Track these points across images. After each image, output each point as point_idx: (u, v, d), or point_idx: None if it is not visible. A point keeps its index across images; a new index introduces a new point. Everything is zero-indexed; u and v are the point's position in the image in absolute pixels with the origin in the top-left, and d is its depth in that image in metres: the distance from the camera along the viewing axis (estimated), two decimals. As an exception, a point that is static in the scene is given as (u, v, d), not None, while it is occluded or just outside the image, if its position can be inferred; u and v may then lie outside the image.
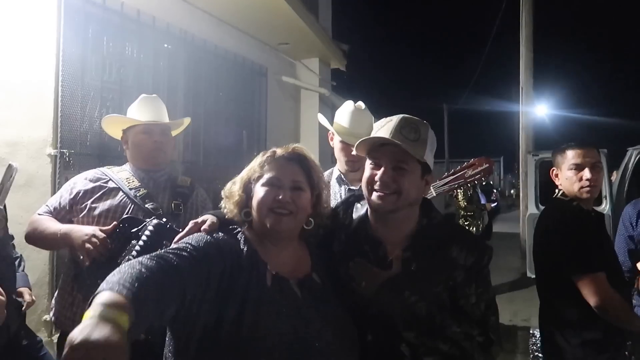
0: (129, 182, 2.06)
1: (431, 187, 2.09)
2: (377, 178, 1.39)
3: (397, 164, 1.39)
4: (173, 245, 1.27)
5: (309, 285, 1.34)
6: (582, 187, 2.06)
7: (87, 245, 1.81)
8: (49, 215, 2.04)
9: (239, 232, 1.36)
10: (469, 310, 1.40)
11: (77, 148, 3.22)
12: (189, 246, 1.23)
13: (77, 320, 1.90)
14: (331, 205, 2.32)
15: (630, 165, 5.37)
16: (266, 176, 1.36)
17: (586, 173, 2.05)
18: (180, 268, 1.14)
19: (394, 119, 1.41)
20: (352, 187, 2.33)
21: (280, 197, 1.32)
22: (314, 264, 1.41)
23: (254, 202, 1.34)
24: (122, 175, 2.09)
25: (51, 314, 2.10)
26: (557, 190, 2.20)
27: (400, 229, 1.45)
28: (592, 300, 1.90)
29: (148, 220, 1.83)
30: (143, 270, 1.08)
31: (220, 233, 1.33)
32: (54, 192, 2.94)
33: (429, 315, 1.35)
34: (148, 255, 1.15)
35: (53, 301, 2.09)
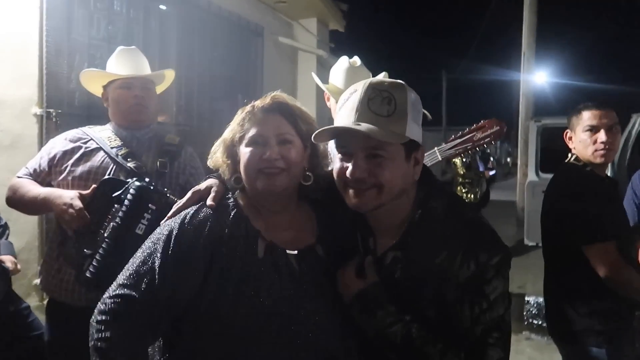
0: (110, 141, 1.94)
1: (437, 151, 1.99)
2: (348, 173, 1.11)
3: (371, 151, 1.10)
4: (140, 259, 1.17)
5: (310, 259, 1.19)
6: (596, 151, 1.96)
7: (65, 216, 1.72)
8: (29, 178, 1.93)
9: (229, 198, 1.25)
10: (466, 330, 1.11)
11: (64, 108, 3.09)
12: (166, 260, 1.13)
13: (63, 286, 1.85)
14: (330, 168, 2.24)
15: (634, 131, 5.29)
16: (248, 135, 1.20)
17: (601, 135, 1.95)
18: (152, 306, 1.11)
19: (359, 89, 1.11)
20: None
21: (267, 155, 1.17)
22: (320, 232, 1.25)
23: (241, 167, 1.21)
24: (103, 134, 1.97)
25: (39, 280, 2.03)
26: (569, 155, 2.10)
27: (391, 219, 1.19)
28: (601, 269, 1.83)
29: (130, 181, 1.72)
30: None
31: (207, 208, 1.21)
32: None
33: (405, 340, 1.10)
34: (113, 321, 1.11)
35: (40, 267, 2.01)
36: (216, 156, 1.28)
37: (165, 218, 1.25)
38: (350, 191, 1.13)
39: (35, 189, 1.86)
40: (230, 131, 1.26)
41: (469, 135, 2.10)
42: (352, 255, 1.21)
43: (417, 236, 1.15)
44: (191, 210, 1.22)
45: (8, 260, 2.30)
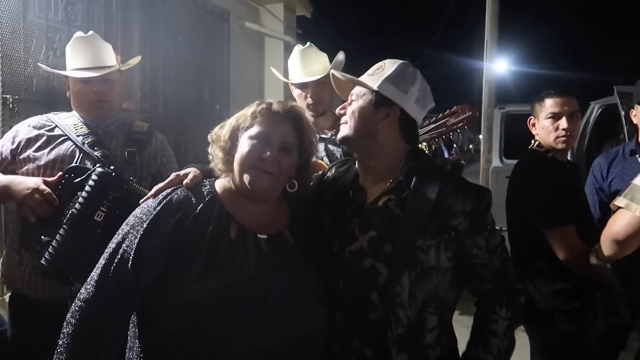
0: (76, 129, 1.86)
1: None
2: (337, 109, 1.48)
3: (351, 96, 1.43)
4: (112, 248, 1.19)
5: (278, 242, 1.27)
6: (557, 137, 2.03)
7: (30, 201, 1.65)
8: None
9: (205, 186, 1.29)
10: (484, 262, 1.31)
11: (21, 94, 2.94)
12: (131, 245, 1.16)
13: (25, 279, 1.78)
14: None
15: (592, 119, 5.48)
16: (255, 129, 1.26)
17: (563, 122, 2.01)
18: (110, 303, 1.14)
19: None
20: (322, 135, 2.24)
21: (265, 154, 1.23)
22: (290, 221, 1.34)
23: (237, 154, 1.26)
24: (69, 122, 1.89)
25: (1, 272, 1.95)
26: (532, 141, 2.16)
27: (376, 171, 1.39)
28: (561, 253, 1.91)
29: (92, 168, 1.68)
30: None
31: (181, 190, 1.25)
32: None
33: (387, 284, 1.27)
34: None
35: (1, 260, 1.93)
36: (221, 132, 1.32)
37: (144, 199, 1.27)
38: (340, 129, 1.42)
39: None
40: (240, 116, 1.31)
41: (443, 121, 2.14)
42: (318, 243, 1.34)
43: (412, 181, 1.33)
44: (167, 192, 1.24)
45: None
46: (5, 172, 1.83)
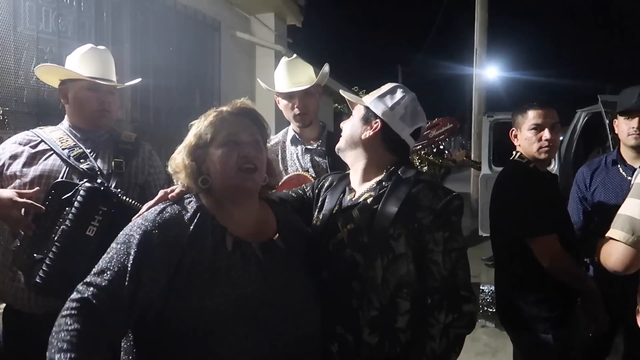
0: (62, 142, 1.87)
1: None
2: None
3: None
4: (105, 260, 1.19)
5: (272, 249, 1.31)
6: (540, 148, 2.07)
7: (8, 218, 1.66)
8: None
9: (191, 201, 1.30)
10: (437, 259, 1.36)
11: (12, 105, 2.96)
12: (129, 254, 1.16)
13: (19, 295, 1.79)
14: (291, 168, 2.27)
15: (578, 126, 5.54)
16: (221, 136, 1.29)
17: (546, 133, 2.06)
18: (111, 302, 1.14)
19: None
20: (308, 147, 2.26)
21: (244, 152, 1.27)
22: (279, 227, 1.39)
23: (216, 166, 1.27)
24: (54, 135, 1.89)
25: None
26: (514, 152, 2.21)
27: (365, 174, 1.53)
28: (544, 261, 1.95)
29: (80, 183, 1.68)
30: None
31: (171, 207, 1.26)
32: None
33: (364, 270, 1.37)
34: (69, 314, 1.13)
35: None
36: (177, 161, 1.32)
37: (134, 217, 1.28)
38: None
39: None
40: (195, 134, 1.31)
41: (425, 133, 2.17)
42: (306, 247, 1.44)
43: (394, 180, 1.45)
44: (157, 208, 1.26)
45: None
46: None
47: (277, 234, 1.36)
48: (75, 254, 1.63)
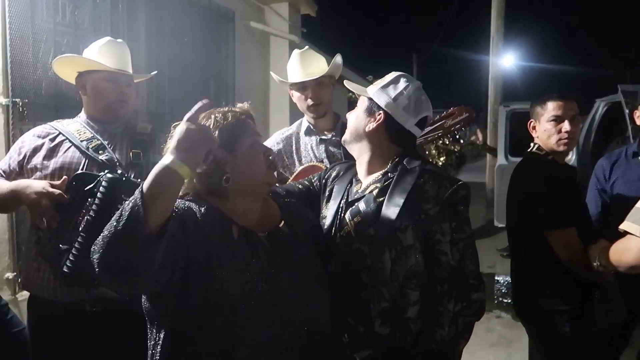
0: (79, 134, 1.90)
1: None
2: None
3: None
4: None
5: (278, 237, 1.35)
6: (560, 140, 2.05)
7: (38, 207, 1.69)
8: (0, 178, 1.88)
9: (193, 198, 1.31)
10: (445, 249, 1.37)
11: (31, 97, 2.99)
12: None
13: (45, 285, 1.84)
14: (305, 159, 2.28)
15: (597, 116, 5.44)
16: (247, 137, 1.34)
17: (566, 125, 2.03)
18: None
19: None
20: (323, 137, 2.26)
21: (268, 152, 1.37)
22: (283, 216, 1.43)
23: (250, 164, 1.32)
24: (72, 128, 1.93)
25: (19, 278, 2.00)
26: (532, 144, 2.18)
27: (370, 166, 1.53)
28: (562, 254, 1.94)
29: (101, 174, 1.71)
30: None
31: (181, 201, 1.27)
32: (8, 144, 2.75)
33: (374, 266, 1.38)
34: None
35: (19, 265, 1.99)
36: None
37: None
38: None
39: (2, 186, 1.82)
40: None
41: (440, 123, 2.16)
42: (313, 235, 1.46)
43: (399, 171, 1.45)
44: None
45: None
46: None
47: (282, 222, 1.40)
48: None
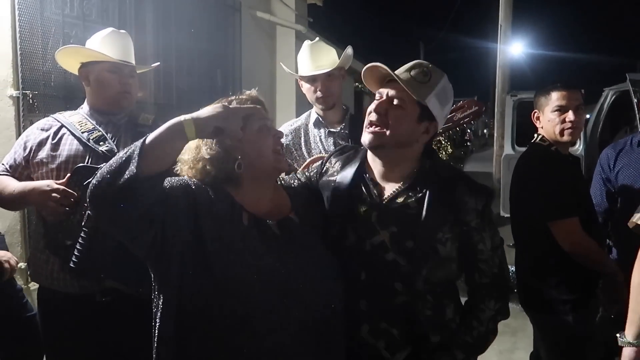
0: (81, 126, 1.90)
1: None
2: (371, 108, 1.40)
3: (394, 98, 1.37)
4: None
5: (288, 225, 1.35)
6: (564, 130, 2.05)
7: (49, 204, 1.71)
8: (6, 174, 1.91)
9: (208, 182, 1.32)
10: (487, 258, 1.40)
11: (40, 89, 3.03)
12: (166, 183, 1.23)
13: (54, 276, 1.87)
14: (314, 150, 2.30)
15: (605, 105, 5.40)
16: (257, 121, 1.33)
17: (570, 115, 2.04)
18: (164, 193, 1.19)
19: (411, 62, 1.41)
20: (332, 130, 2.27)
21: (278, 136, 1.37)
22: (293, 205, 1.42)
23: (258, 148, 1.32)
24: (73, 119, 1.93)
25: (29, 270, 2.04)
26: (535, 135, 2.18)
27: (395, 171, 1.43)
28: (565, 244, 1.95)
29: (99, 167, 1.73)
30: None
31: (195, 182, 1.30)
32: (18, 136, 2.76)
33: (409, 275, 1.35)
34: None
35: (29, 256, 2.03)
36: (201, 152, 1.32)
37: None
38: (366, 130, 1.39)
39: (10, 185, 1.84)
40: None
41: (450, 115, 2.16)
42: (323, 226, 1.43)
43: (427, 176, 1.40)
44: (184, 179, 1.31)
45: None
46: (21, 177, 1.89)
47: (292, 212, 1.40)
48: (103, 237, 1.69)
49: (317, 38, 2.32)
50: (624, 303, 2.00)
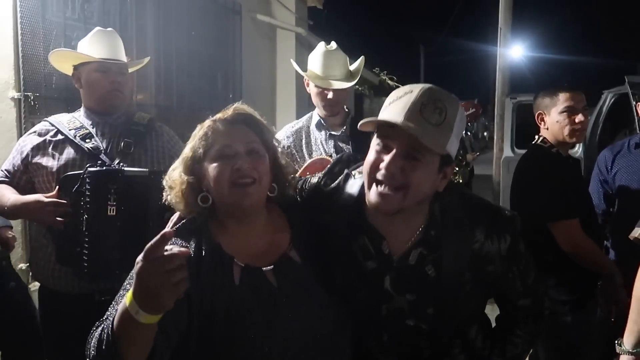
0: (69, 124, 1.91)
1: None
2: (382, 165, 1.11)
3: (410, 151, 1.09)
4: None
5: (285, 270, 1.19)
6: (574, 131, 2.06)
7: (46, 218, 1.74)
8: (5, 180, 1.92)
9: (192, 230, 1.19)
10: (520, 297, 1.29)
11: (42, 91, 3.04)
12: None
13: (55, 275, 1.89)
14: (315, 152, 2.31)
15: (604, 108, 5.41)
16: (215, 148, 1.17)
17: (580, 116, 2.06)
18: None
19: (415, 91, 1.10)
20: (333, 132, 2.30)
21: (237, 165, 1.14)
22: (293, 233, 1.25)
23: (210, 182, 1.16)
24: (63, 119, 1.94)
25: (30, 270, 2.06)
26: (536, 137, 2.19)
27: (406, 225, 1.21)
28: (565, 245, 1.96)
29: (82, 172, 1.73)
30: None
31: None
32: (20, 138, 2.81)
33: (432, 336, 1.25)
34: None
35: (28, 255, 2.05)
36: (174, 176, 1.22)
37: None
38: (375, 189, 1.12)
39: (5, 197, 1.84)
40: (191, 148, 1.21)
41: None
42: (330, 257, 1.23)
43: (441, 228, 1.19)
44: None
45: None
46: (20, 181, 1.91)
47: (291, 245, 1.23)
48: (105, 238, 1.71)
49: (334, 43, 2.33)
50: (623, 305, 2.02)
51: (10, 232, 2.39)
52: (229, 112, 1.22)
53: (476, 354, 1.30)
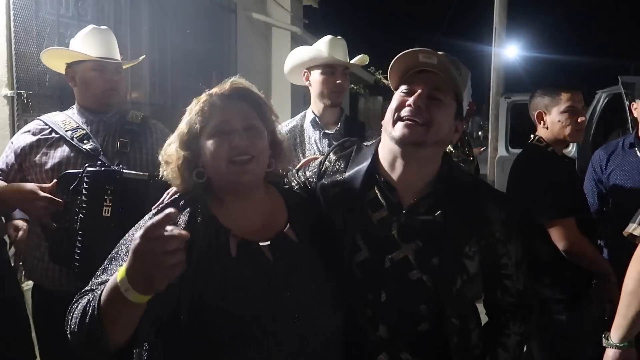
0: (65, 125, 1.89)
1: None
2: (408, 103, 1.20)
3: (434, 92, 1.20)
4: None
5: (282, 246, 1.18)
6: (575, 130, 2.07)
7: (36, 212, 1.71)
8: None
9: (188, 203, 1.17)
10: (511, 273, 1.29)
11: (35, 89, 3.02)
12: None
13: (49, 275, 1.87)
14: (309, 152, 2.30)
15: (598, 108, 5.44)
16: (211, 124, 1.15)
17: (582, 117, 2.07)
18: None
19: (428, 50, 1.21)
20: (327, 131, 2.28)
21: (235, 142, 1.12)
22: (290, 215, 1.24)
23: (208, 158, 1.15)
24: (57, 119, 1.92)
25: (23, 269, 2.04)
26: (533, 136, 2.20)
27: (419, 173, 1.26)
28: (560, 244, 1.97)
29: (81, 170, 1.72)
30: None
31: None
32: (13, 136, 2.79)
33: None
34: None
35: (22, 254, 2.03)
36: (170, 150, 1.19)
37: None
38: (401, 123, 1.21)
39: None
40: (187, 123, 1.18)
41: None
42: (325, 235, 1.25)
43: (450, 184, 1.27)
44: (152, 215, 1.17)
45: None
46: (14, 180, 1.87)
47: (288, 224, 1.22)
48: (99, 238, 1.70)
49: (340, 37, 2.32)
50: (617, 304, 2.03)
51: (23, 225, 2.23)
52: (226, 86, 1.19)
53: (468, 348, 1.25)
